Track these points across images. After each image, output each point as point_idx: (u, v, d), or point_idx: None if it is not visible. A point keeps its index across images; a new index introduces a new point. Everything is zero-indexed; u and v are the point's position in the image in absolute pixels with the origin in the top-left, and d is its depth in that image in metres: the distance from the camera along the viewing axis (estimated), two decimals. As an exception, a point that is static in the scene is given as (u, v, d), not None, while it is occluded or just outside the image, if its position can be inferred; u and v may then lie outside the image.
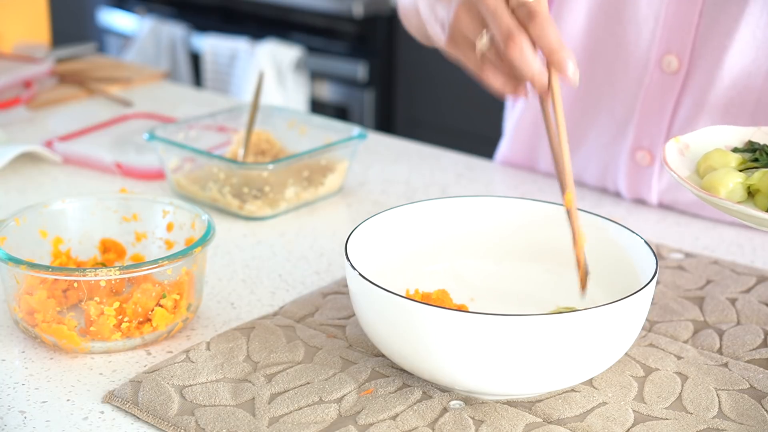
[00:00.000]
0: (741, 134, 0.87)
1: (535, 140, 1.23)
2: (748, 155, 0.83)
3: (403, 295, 0.78)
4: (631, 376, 0.77)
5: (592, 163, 1.18)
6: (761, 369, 0.78)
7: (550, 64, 0.76)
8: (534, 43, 0.76)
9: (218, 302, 0.90)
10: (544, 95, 0.78)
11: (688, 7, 1.04)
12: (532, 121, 1.22)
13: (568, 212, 0.78)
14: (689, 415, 0.72)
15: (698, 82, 1.06)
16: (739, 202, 0.78)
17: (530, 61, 0.76)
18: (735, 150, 0.85)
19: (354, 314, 0.85)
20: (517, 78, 0.79)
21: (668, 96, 1.08)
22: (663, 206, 1.14)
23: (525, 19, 0.76)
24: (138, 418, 0.73)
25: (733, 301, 0.89)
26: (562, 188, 0.77)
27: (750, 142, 0.85)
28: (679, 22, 1.05)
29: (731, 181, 0.79)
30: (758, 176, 0.78)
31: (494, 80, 0.80)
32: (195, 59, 3.01)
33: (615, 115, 1.13)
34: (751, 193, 0.79)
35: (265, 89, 2.69)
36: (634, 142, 1.12)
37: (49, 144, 1.27)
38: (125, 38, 3.24)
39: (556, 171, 0.78)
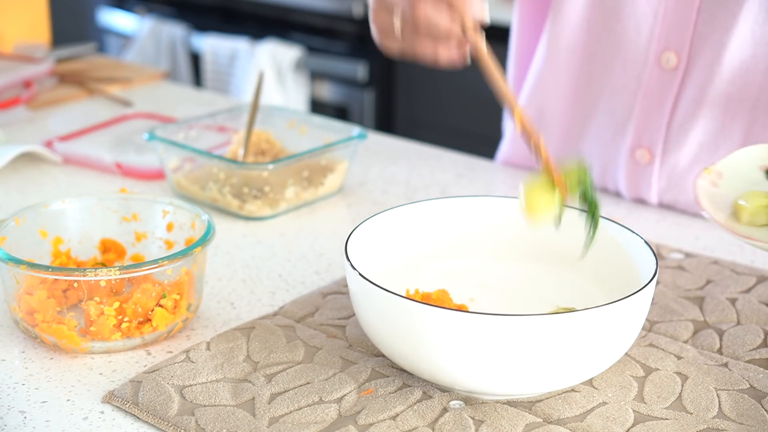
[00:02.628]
0: None
1: (535, 140, 1.23)
2: None
3: (403, 295, 0.78)
4: (631, 376, 0.77)
5: (591, 162, 1.18)
6: (761, 369, 0.78)
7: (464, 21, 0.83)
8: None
9: (218, 302, 0.90)
10: (471, 50, 0.85)
11: (686, 3, 1.04)
12: (532, 121, 1.22)
13: (522, 129, 0.82)
14: (689, 415, 0.72)
15: (697, 78, 1.06)
16: None
17: (438, 18, 0.83)
18: None
19: (354, 314, 0.85)
20: (440, 41, 0.85)
21: (667, 93, 1.08)
22: (663, 206, 1.14)
23: None
24: (138, 418, 0.73)
25: (733, 301, 0.89)
26: (511, 109, 0.83)
27: None
28: (677, 19, 1.05)
29: (755, 204, 0.78)
30: None
31: (424, 49, 0.86)
32: (195, 59, 3.01)
33: (614, 113, 1.13)
34: None
35: (265, 89, 2.69)
36: (634, 140, 1.12)
37: (49, 144, 1.27)
38: (125, 38, 3.24)
39: (503, 100, 0.84)
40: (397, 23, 0.86)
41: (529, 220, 0.80)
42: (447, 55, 0.86)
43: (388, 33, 0.88)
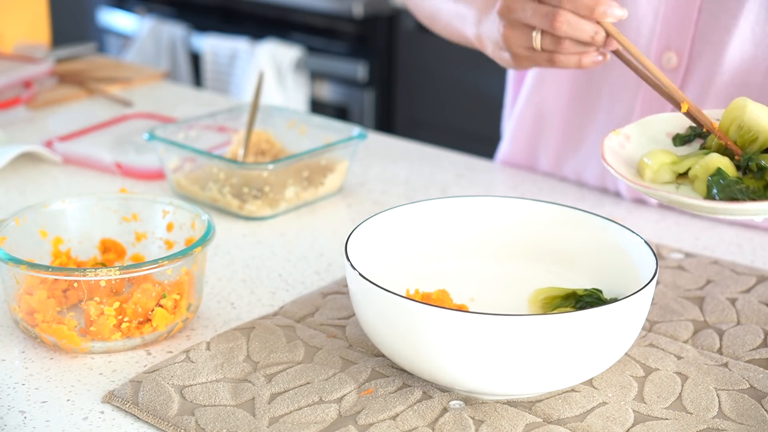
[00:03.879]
0: (682, 120, 0.86)
1: (535, 140, 1.23)
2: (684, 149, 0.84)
3: (403, 295, 0.78)
4: (631, 376, 0.77)
5: (592, 163, 1.18)
6: (761, 369, 0.78)
7: (599, 22, 0.87)
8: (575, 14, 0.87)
9: (218, 302, 0.90)
10: (611, 47, 0.89)
11: (687, 3, 1.04)
12: (532, 121, 1.22)
13: (691, 115, 0.83)
14: (689, 415, 0.72)
15: (698, 78, 1.06)
16: (677, 189, 0.79)
17: (580, 26, 0.87)
18: (676, 137, 0.85)
19: (354, 314, 0.85)
20: (582, 48, 0.90)
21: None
22: (663, 206, 1.14)
23: (554, 1, 0.87)
24: (138, 418, 0.73)
25: (733, 301, 0.89)
26: (678, 102, 0.84)
27: (691, 128, 0.85)
28: (678, 19, 1.06)
29: (658, 161, 0.80)
30: (692, 161, 0.79)
31: (568, 62, 0.91)
32: (195, 59, 3.01)
33: (615, 114, 1.13)
34: (684, 176, 0.81)
35: (265, 89, 2.69)
36: (634, 141, 1.12)
37: (49, 144, 1.27)
38: (125, 38, 3.24)
39: (664, 96, 0.86)
40: (537, 39, 0.90)
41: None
42: (591, 59, 0.90)
43: (523, 54, 0.93)
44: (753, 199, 0.75)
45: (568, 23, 0.87)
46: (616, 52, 0.89)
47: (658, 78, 0.85)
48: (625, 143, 0.84)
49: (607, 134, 0.85)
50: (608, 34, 0.88)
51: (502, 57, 0.98)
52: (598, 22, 0.87)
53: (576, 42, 0.89)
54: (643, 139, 0.84)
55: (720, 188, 0.76)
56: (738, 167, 0.79)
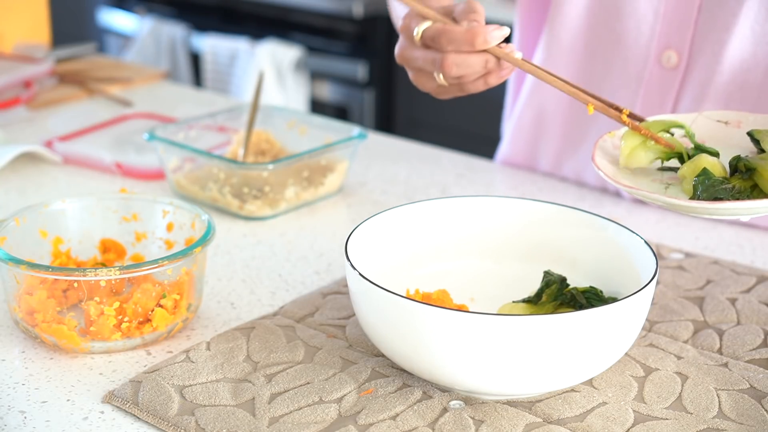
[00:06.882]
0: (682, 121, 0.86)
1: (535, 141, 1.23)
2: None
3: (403, 295, 0.78)
4: (631, 376, 0.77)
5: (591, 162, 1.18)
6: (761, 369, 0.78)
7: (487, 50, 0.87)
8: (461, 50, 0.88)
9: (218, 302, 0.90)
10: (510, 69, 0.90)
11: (686, 2, 1.05)
12: (532, 121, 1.22)
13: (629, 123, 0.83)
14: (689, 415, 0.72)
15: (698, 77, 1.06)
16: (666, 190, 0.80)
17: (468, 62, 0.88)
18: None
19: (354, 314, 0.85)
20: (482, 75, 0.90)
21: (668, 91, 1.08)
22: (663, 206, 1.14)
23: (438, 44, 0.88)
24: (138, 418, 0.73)
25: (733, 301, 0.89)
26: (584, 102, 0.85)
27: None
28: (678, 17, 1.06)
29: (630, 145, 0.82)
30: (686, 166, 0.80)
31: (477, 87, 0.92)
32: (195, 59, 3.01)
33: (615, 114, 1.13)
34: (671, 171, 0.82)
35: (265, 89, 2.69)
36: (634, 140, 1.12)
37: (49, 144, 1.27)
38: (125, 38, 3.24)
39: (573, 97, 0.86)
40: (440, 79, 0.91)
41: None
42: (495, 80, 0.91)
43: (436, 90, 0.94)
44: (737, 199, 0.75)
45: (456, 65, 0.88)
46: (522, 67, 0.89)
47: (565, 81, 0.86)
48: (619, 144, 0.84)
49: (602, 135, 0.85)
50: (498, 58, 0.88)
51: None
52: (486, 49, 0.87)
53: (473, 75, 0.90)
54: (637, 140, 0.84)
55: (704, 188, 0.77)
56: (732, 168, 0.79)
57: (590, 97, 0.85)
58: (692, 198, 0.78)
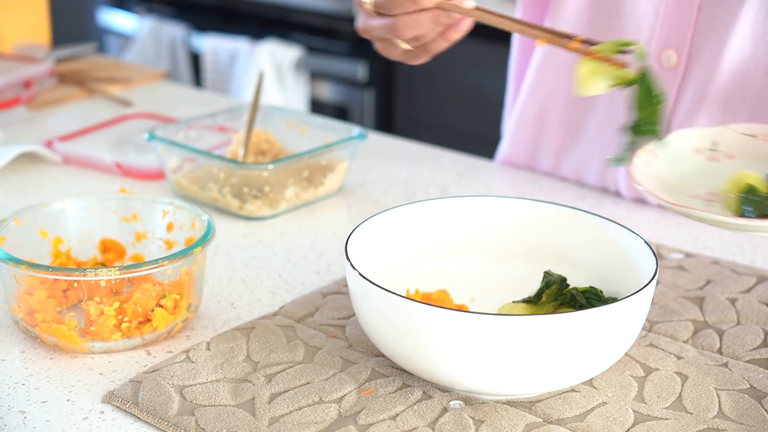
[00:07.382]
0: (709, 135, 0.86)
1: (536, 136, 1.23)
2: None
3: (403, 295, 0.78)
4: (631, 376, 0.77)
5: (592, 161, 1.18)
6: (761, 369, 0.78)
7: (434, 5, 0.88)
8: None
9: (218, 302, 0.90)
10: (467, 21, 0.91)
11: (686, 1, 1.05)
12: (532, 119, 1.22)
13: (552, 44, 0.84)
14: (689, 415, 0.72)
15: (697, 77, 1.06)
16: (708, 207, 0.79)
17: (419, 22, 0.88)
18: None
19: (354, 314, 0.85)
20: (440, 33, 0.91)
21: (668, 91, 1.08)
22: (663, 206, 1.14)
23: (387, 10, 0.89)
24: (138, 418, 0.73)
25: (733, 301, 0.89)
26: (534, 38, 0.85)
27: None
28: (677, 17, 1.06)
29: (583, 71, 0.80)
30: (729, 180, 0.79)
31: (439, 46, 0.92)
32: (195, 59, 3.01)
33: (614, 111, 1.13)
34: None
35: (265, 89, 2.69)
36: (634, 140, 1.12)
37: (49, 144, 1.27)
38: (125, 38, 3.24)
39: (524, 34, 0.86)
40: (403, 46, 0.92)
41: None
42: (455, 34, 0.91)
43: (404, 56, 0.95)
44: None
45: (409, 26, 0.89)
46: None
47: (513, 20, 0.86)
48: (652, 160, 0.84)
49: (637, 152, 0.84)
50: (445, 10, 0.88)
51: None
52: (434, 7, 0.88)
53: (430, 35, 0.91)
54: (669, 154, 0.84)
55: (754, 205, 0.76)
56: None
57: (540, 31, 0.85)
58: (739, 215, 0.77)
